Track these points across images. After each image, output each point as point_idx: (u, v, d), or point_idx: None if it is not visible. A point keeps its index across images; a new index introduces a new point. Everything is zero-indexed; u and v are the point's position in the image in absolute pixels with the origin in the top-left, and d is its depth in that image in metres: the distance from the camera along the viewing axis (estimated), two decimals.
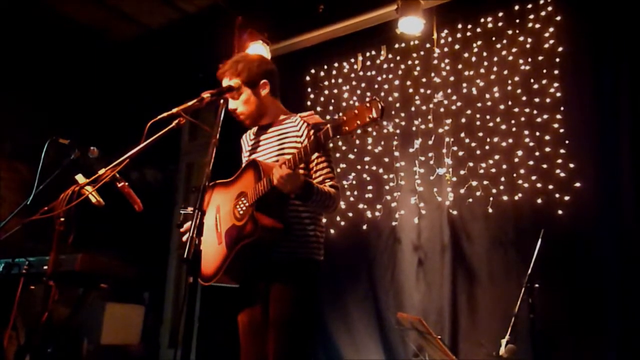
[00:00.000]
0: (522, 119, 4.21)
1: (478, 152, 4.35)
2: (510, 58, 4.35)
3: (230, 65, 2.54)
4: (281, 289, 2.33)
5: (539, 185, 4.02)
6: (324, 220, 4.80)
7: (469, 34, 4.60)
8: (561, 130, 4.02)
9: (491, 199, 4.20)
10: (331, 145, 5.02)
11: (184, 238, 2.46)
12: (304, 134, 2.43)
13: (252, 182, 2.32)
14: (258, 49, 4.91)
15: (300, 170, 2.33)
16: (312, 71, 5.43)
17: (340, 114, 2.06)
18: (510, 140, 4.22)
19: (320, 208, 2.40)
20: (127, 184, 2.49)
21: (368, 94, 5.04)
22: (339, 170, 4.99)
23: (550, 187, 3.96)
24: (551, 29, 4.20)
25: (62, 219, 2.38)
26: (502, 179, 4.19)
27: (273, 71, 2.62)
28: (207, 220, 2.26)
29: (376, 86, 5.01)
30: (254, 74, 2.54)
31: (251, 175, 2.36)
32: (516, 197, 4.10)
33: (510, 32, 4.39)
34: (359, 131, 2.00)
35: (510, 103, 4.28)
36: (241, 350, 2.42)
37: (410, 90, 4.81)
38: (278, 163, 2.21)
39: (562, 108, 4.05)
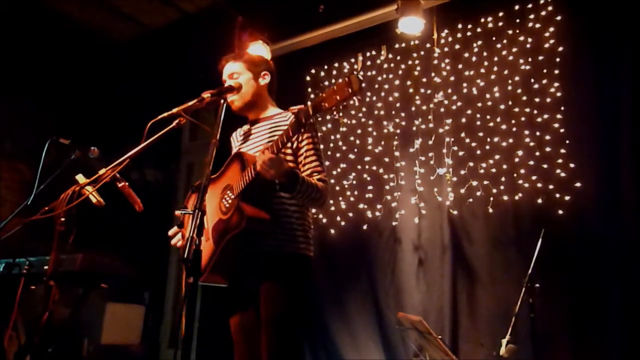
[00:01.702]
0: (523, 118, 4.21)
1: (478, 152, 4.35)
2: (511, 58, 4.35)
3: (237, 52, 2.67)
4: (271, 287, 2.32)
5: (539, 185, 4.02)
6: (324, 220, 4.79)
7: (469, 33, 4.60)
8: (561, 130, 4.02)
9: (491, 198, 4.19)
10: (331, 145, 5.06)
11: (173, 242, 2.48)
12: None
13: (237, 174, 2.31)
14: (258, 49, 4.91)
15: (290, 164, 2.33)
16: (313, 71, 5.43)
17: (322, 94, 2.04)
18: (511, 140, 4.22)
19: (307, 200, 2.34)
20: (127, 183, 2.50)
21: (368, 94, 5.04)
22: (339, 170, 5.00)
23: (551, 187, 3.96)
24: (551, 29, 4.19)
25: (62, 219, 2.39)
26: (503, 178, 4.19)
27: (273, 69, 2.68)
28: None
29: (376, 86, 5.01)
30: (257, 62, 2.64)
31: (236, 167, 2.35)
32: (516, 197, 4.10)
33: (510, 32, 4.39)
34: (340, 106, 2.00)
35: (510, 103, 4.28)
36: (235, 352, 2.41)
37: (411, 90, 4.81)
38: (261, 150, 2.20)
39: (562, 108, 4.05)
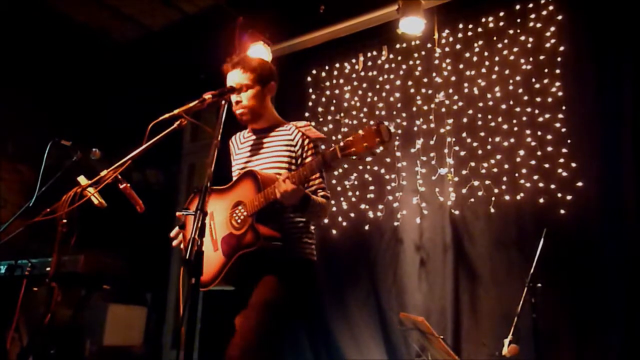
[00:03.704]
0: (524, 118, 4.20)
1: (480, 151, 4.35)
2: (512, 57, 4.35)
3: (244, 60, 2.58)
4: (268, 279, 2.35)
5: (541, 184, 4.02)
6: (326, 221, 4.77)
7: (470, 33, 4.60)
8: (563, 130, 4.01)
9: (493, 198, 4.19)
10: (333, 145, 5.04)
11: (174, 243, 2.51)
12: (298, 143, 2.49)
13: (250, 193, 2.35)
14: (259, 49, 4.91)
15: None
16: (314, 72, 5.43)
17: (348, 137, 2.08)
18: (512, 140, 4.22)
19: (313, 217, 2.46)
20: (129, 185, 2.50)
21: (369, 94, 5.04)
22: (340, 170, 5.00)
23: (552, 186, 3.96)
24: (552, 28, 4.19)
25: (64, 221, 2.39)
26: (504, 178, 4.19)
27: (277, 76, 2.68)
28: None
29: (377, 86, 5.01)
30: (267, 74, 2.60)
31: (249, 186, 2.38)
32: (518, 197, 4.10)
33: (511, 31, 4.39)
34: (367, 153, 2.05)
35: (511, 102, 4.28)
36: None
37: (412, 91, 4.81)
38: (281, 177, 2.24)
39: (563, 107, 4.05)
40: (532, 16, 4.30)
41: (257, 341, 2.19)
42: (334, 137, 5.12)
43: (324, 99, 5.31)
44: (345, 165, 5.00)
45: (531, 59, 4.25)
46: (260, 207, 2.29)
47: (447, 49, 4.69)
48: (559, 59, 4.13)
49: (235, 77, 2.54)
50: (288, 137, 2.52)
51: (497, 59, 4.42)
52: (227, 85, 2.54)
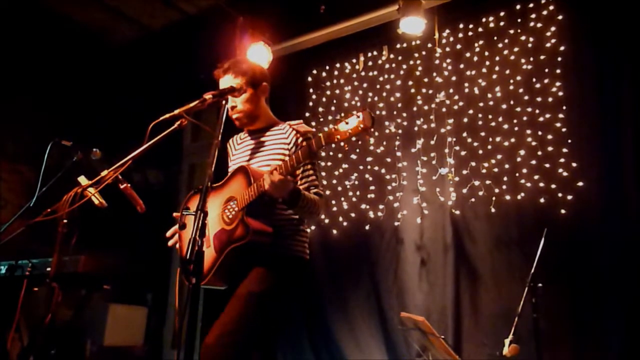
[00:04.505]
0: (524, 118, 4.20)
1: (480, 151, 4.34)
2: (512, 57, 4.34)
3: (234, 64, 2.59)
4: (258, 271, 2.36)
5: (541, 184, 4.01)
6: (326, 221, 4.78)
7: (470, 33, 4.59)
8: (563, 130, 4.01)
9: (494, 198, 4.19)
10: (333, 145, 5.04)
11: (170, 243, 2.52)
12: (292, 141, 2.51)
13: (242, 188, 2.36)
14: (259, 50, 4.91)
15: (289, 177, 2.37)
16: (314, 72, 5.43)
17: (339, 117, 2.08)
18: (513, 140, 4.21)
19: (305, 214, 2.45)
20: (129, 185, 2.50)
21: (370, 94, 5.03)
22: (341, 170, 5.00)
23: (553, 186, 3.95)
24: (553, 28, 4.19)
25: (65, 221, 2.39)
26: (505, 178, 4.19)
27: (269, 78, 2.70)
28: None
29: (378, 86, 5.01)
30: (258, 76, 2.62)
31: (240, 181, 2.40)
32: (519, 197, 4.09)
33: (511, 31, 4.38)
34: (351, 139, 2.04)
35: (512, 102, 4.28)
36: None
37: (412, 90, 4.81)
38: (269, 170, 2.25)
39: (564, 107, 4.04)
40: (533, 16, 4.30)
41: (235, 332, 2.20)
42: None
43: (324, 99, 5.31)
44: (346, 165, 5.00)
45: (532, 58, 4.25)
46: (250, 200, 2.29)
47: (447, 49, 4.68)
48: (559, 58, 4.13)
49: (227, 82, 2.55)
50: (282, 136, 2.55)
51: (497, 58, 4.41)
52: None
